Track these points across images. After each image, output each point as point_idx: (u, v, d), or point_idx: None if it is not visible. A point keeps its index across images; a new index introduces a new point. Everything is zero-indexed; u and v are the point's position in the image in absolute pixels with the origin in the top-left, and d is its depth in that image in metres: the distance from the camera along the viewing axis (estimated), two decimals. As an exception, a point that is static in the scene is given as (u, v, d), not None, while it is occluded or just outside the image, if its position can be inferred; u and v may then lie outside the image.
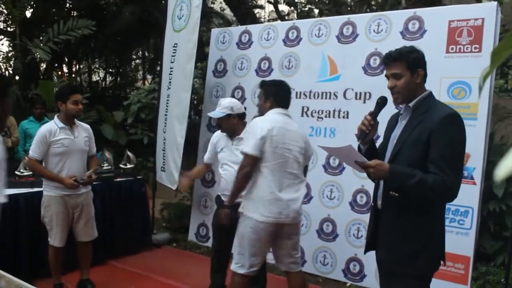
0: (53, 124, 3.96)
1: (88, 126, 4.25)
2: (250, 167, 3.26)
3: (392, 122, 2.61)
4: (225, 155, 3.92)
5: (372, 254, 2.67)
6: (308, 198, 4.78)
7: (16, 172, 4.57)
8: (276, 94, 3.48)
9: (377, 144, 2.71)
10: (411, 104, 2.43)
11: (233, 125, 3.91)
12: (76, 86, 5.00)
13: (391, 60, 2.43)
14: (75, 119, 4.06)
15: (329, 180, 4.78)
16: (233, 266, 3.37)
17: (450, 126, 2.30)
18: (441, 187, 2.22)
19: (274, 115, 3.39)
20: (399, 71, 2.40)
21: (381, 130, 2.65)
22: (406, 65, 2.39)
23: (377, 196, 2.57)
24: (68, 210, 4.00)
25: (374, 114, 2.48)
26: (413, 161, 2.32)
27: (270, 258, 3.69)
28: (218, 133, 4.09)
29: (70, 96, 3.93)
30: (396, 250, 2.41)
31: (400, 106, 2.59)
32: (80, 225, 4.11)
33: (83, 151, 4.07)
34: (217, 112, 3.88)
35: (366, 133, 2.47)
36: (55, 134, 3.90)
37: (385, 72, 2.51)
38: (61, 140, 3.90)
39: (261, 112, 3.53)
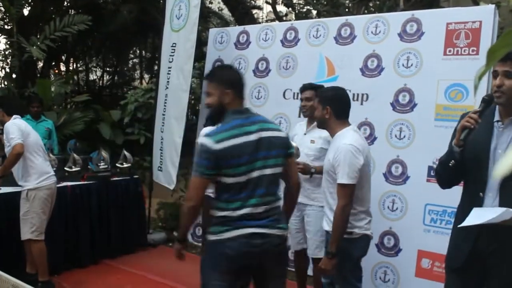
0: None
1: (6, 124, 4.08)
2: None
3: (483, 127, 2.34)
4: None
5: None
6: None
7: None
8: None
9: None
10: None
11: None
12: None
13: (509, 57, 2.18)
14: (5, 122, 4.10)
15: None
16: None
17: None
18: None
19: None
20: None
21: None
22: None
23: None
24: None
25: (480, 112, 2.27)
26: None
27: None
28: (209, 128, 4.08)
29: None
30: None
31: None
32: None
33: (7, 153, 4.05)
34: None
35: (471, 129, 2.25)
36: None
37: (495, 67, 2.26)
38: None
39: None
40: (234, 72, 2.67)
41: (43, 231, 4.08)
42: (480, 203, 2.32)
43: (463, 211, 2.45)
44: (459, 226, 2.22)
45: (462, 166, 2.37)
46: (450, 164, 2.37)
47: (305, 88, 3.89)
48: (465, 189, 2.48)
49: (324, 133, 3.48)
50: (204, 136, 2.44)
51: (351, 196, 2.94)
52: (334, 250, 2.94)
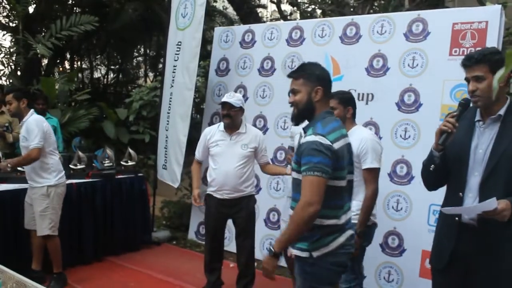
0: None
1: (29, 121, 4.14)
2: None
3: (465, 128, 2.38)
4: (219, 150, 3.95)
5: None
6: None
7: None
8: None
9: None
10: (502, 112, 2.28)
11: (240, 119, 3.99)
12: (9, 88, 5.03)
13: (473, 62, 2.27)
14: (28, 116, 4.16)
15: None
16: None
17: None
18: None
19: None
20: (481, 73, 2.24)
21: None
22: (489, 67, 2.24)
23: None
24: (29, 198, 4.19)
25: (457, 116, 2.31)
26: None
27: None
28: (211, 128, 4.13)
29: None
30: (504, 268, 2.26)
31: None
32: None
33: (23, 147, 4.13)
34: (236, 101, 3.90)
35: (449, 134, 2.29)
36: None
37: (464, 75, 2.34)
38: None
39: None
40: (323, 69, 2.52)
41: (58, 226, 4.19)
42: (460, 203, 2.33)
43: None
44: (441, 209, 2.25)
45: (445, 168, 2.38)
46: (431, 169, 2.39)
47: None
48: (448, 189, 2.49)
49: None
50: (316, 135, 2.30)
51: (378, 179, 3.23)
52: (362, 229, 3.15)
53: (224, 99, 3.94)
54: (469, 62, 2.29)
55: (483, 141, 2.32)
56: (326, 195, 2.27)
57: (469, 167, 2.32)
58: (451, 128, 2.28)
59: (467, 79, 2.33)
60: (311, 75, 2.44)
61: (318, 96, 2.42)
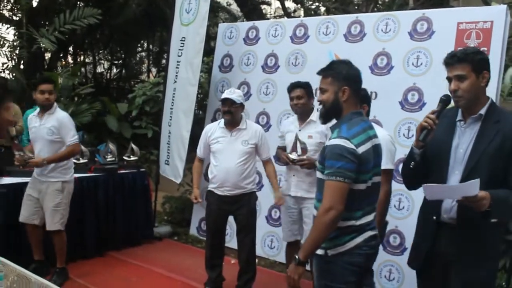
0: (34, 112, 4.27)
1: (63, 116, 4.18)
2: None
3: (446, 127, 2.39)
4: (220, 146, 3.96)
5: None
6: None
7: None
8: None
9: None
10: (482, 112, 2.27)
11: (240, 115, 4.00)
12: (48, 76, 5.00)
13: (455, 60, 2.26)
14: (54, 108, 4.15)
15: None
16: None
17: None
18: None
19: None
20: (464, 72, 2.23)
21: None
22: (471, 66, 2.23)
23: (440, 209, 2.37)
24: (32, 191, 4.16)
25: (438, 112, 2.31)
26: (494, 175, 2.18)
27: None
28: (211, 125, 4.15)
29: (38, 85, 4.09)
30: (483, 267, 2.26)
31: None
32: (43, 212, 4.16)
33: (46, 140, 4.09)
34: (237, 98, 3.91)
35: (429, 130, 2.28)
36: (31, 121, 4.19)
37: (447, 74, 2.33)
38: (32, 128, 4.16)
39: None
40: (353, 68, 2.47)
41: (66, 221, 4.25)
42: (439, 203, 2.33)
43: (423, 210, 2.50)
44: (423, 185, 2.22)
45: (424, 167, 2.37)
46: (411, 166, 2.38)
47: (294, 86, 3.91)
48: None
49: (320, 128, 3.75)
50: (340, 138, 2.27)
51: (391, 180, 3.27)
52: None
53: (225, 95, 3.94)
54: (451, 60, 2.28)
55: (463, 141, 2.32)
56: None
57: (450, 166, 2.33)
58: (432, 125, 2.27)
59: (448, 78, 2.31)
60: (338, 74, 2.41)
61: (345, 96, 2.37)
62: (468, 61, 2.23)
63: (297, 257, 2.34)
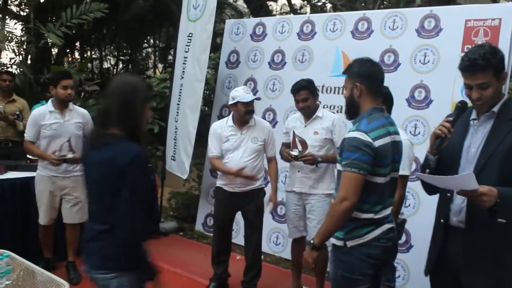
0: (45, 108, 4.12)
1: (85, 112, 4.24)
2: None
3: (459, 128, 2.31)
4: (231, 145, 3.97)
5: None
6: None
7: (28, 156, 4.61)
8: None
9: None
10: (495, 109, 2.20)
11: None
12: (68, 71, 5.00)
13: (477, 69, 2.13)
14: (70, 104, 4.15)
15: None
16: None
17: None
18: None
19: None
20: (487, 80, 2.13)
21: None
22: (493, 72, 2.13)
23: (449, 211, 2.32)
24: (55, 190, 4.11)
25: (454, 121, 2.25)
26: (506, 174, 2.10)
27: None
28: (219, 123, 4.14)
29: (60, 81, 4.03)
30: (492, 275, 2.19)
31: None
32: (66, 207, 4.17)
33: (75, 135, 4.10)
34: (252, 96, 3.92)
35: (443, 138, 2.24)
36: (45, 118, 4.05)
37: (463, 80, 2.23)
38: (51, 124, 4.04)
39: None
40: (369, 66, 2.50)
41: None
42: (449, 203, 2.30)
43: (438, 211, 2.47)
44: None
45: (440, 173, 2.30)
46: (426, 173, 2.35)
47: (297, 89, 3.87)
48: (439, 189, 2.42)
49: (325, 123, 3.79)
50: (358, 131, 2.31)
51: (406, 186, 3.32)
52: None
53: (246, 98, 3.87)
54: (473, 69, 2.15)
55: (475, 140, 2.26)
56: (363, 190, 2.31)
57: (461, 166, 2.27)
58: (446, 134, 2.24)
59: (467, 85, 2.21)
60: (352, 72, 2.49)
61: (358, 92, 2.43)
62: (490, 67, 2.12)
63: (311, 241, 2.45)
